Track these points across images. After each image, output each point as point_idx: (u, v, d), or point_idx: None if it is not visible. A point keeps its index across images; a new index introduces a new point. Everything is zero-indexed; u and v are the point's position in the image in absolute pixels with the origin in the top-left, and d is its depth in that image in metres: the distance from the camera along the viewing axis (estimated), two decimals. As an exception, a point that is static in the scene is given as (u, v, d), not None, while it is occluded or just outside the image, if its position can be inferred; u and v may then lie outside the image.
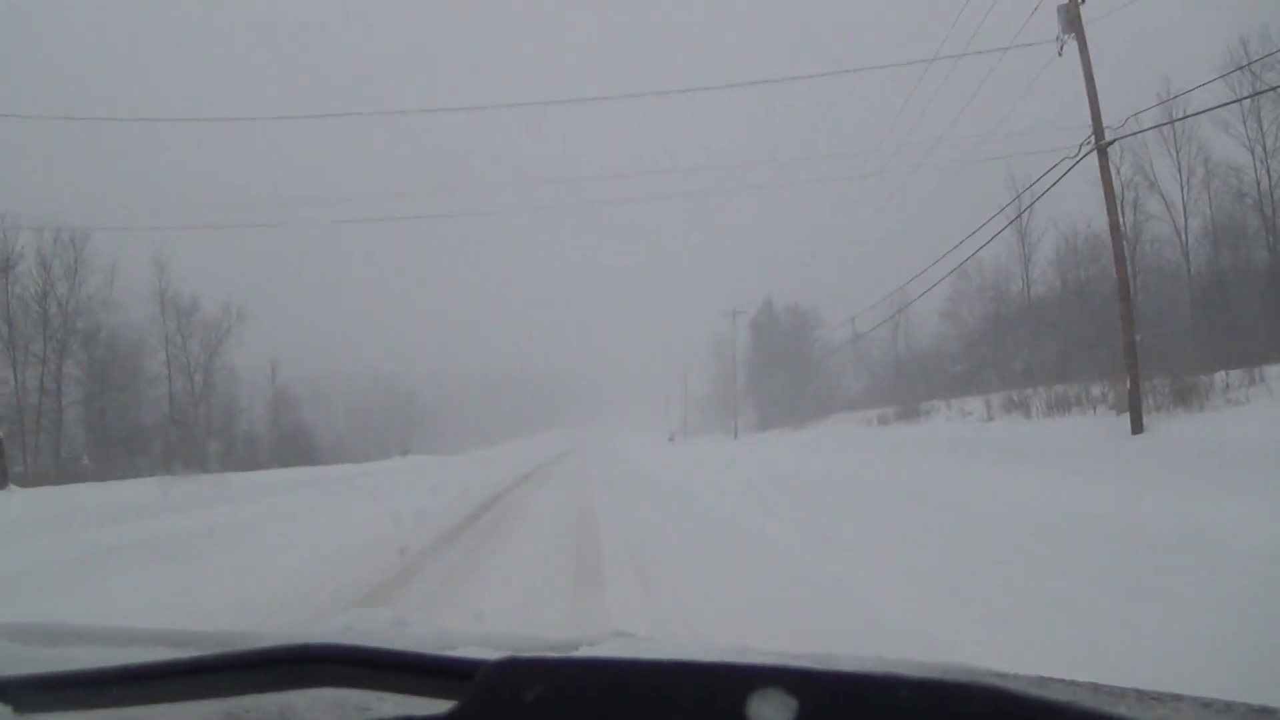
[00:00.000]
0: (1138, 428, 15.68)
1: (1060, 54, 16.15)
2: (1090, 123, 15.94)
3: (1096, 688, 1.02)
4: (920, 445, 21.44)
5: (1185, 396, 17.90)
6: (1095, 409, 21.80)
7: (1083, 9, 15.76)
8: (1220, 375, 18.64)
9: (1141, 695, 1.00)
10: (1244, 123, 29.73)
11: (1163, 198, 33.39)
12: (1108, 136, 15.92)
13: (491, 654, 0.80)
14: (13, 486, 19.44)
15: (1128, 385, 16.09)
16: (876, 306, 43.69)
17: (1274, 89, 23.82)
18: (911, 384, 48.55)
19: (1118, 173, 23.62)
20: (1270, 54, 23.77)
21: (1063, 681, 1.07)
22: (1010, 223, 29.85)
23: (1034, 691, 0.73)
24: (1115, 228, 17.24)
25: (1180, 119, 23.56)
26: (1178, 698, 0.99)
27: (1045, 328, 38.76)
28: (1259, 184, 30.42)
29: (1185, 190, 33.03)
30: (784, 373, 67.68)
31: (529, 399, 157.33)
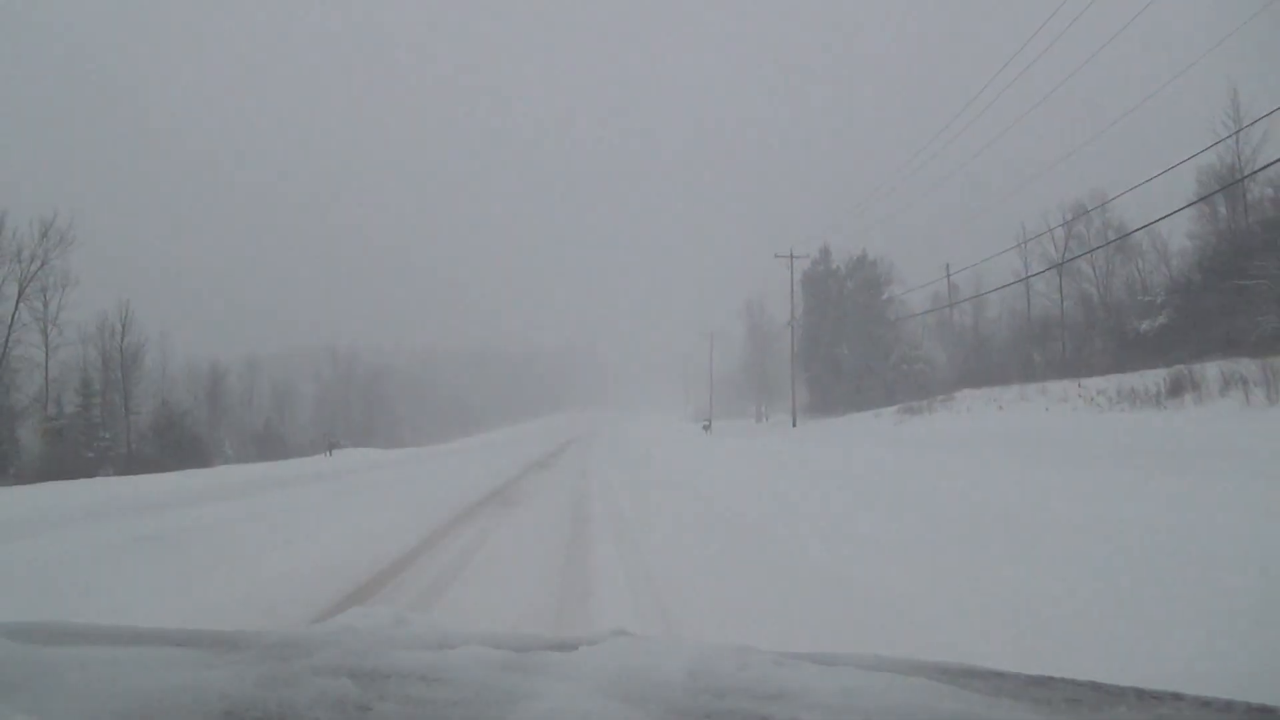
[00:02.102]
0: None
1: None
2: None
3: (1097, 686, 1.02)
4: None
5: None
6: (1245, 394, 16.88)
7: None
8: None
9: (1141, 694, 1.00)
10: None
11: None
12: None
13: (492, 653, 0.80)
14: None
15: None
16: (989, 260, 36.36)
17: None
18: (1012, 358, 40.34)
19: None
20: None
21: (1063, 680, 1.07)
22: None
23: (1034, 690, 0.74)
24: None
25: None
26: (1178, 696, 0.99)
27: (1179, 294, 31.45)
28: None
29: None
30: (851, 343, 51.73)
31: (532, 380, 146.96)
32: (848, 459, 19.22)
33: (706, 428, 52.63)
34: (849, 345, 51.72)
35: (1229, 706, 0.94)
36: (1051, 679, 1.09)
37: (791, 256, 46.95)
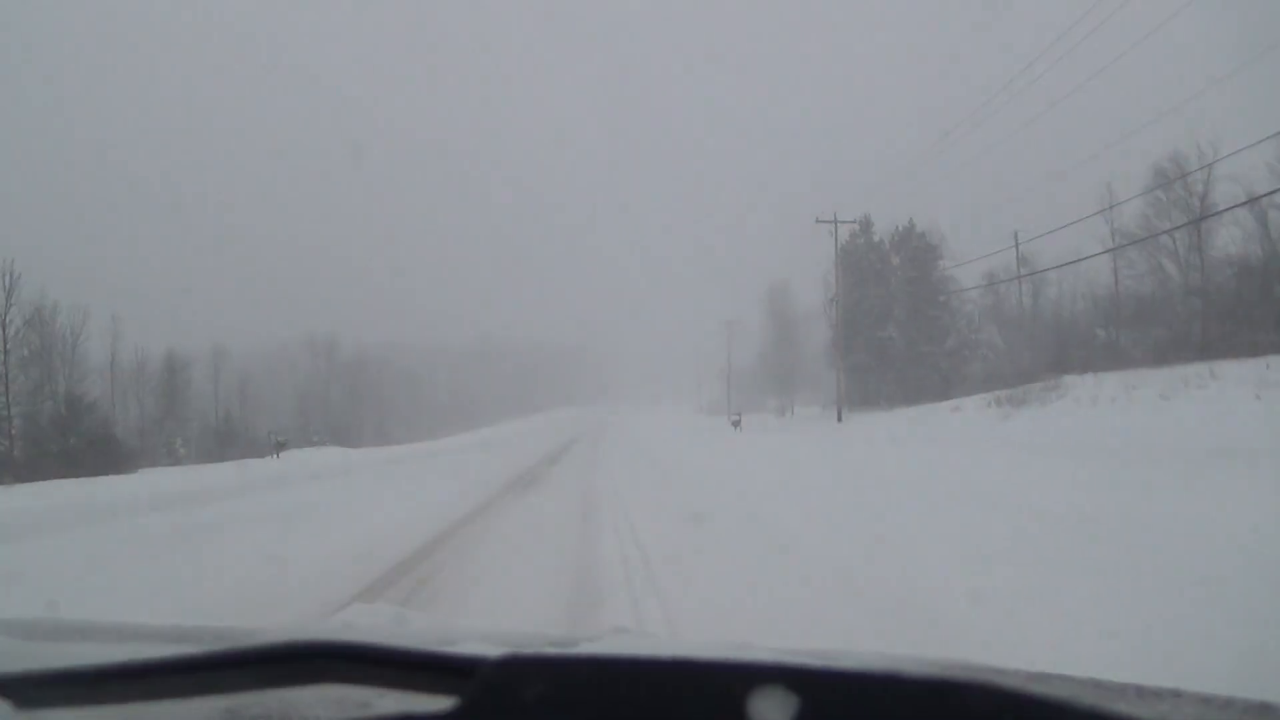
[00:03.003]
0: None
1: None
2: None
3: (1096, 684, 1.02)
4: None
5: None
6: None
7: None
8: None
9: (1141, 691, 1.00)
10: None
11: None
12: None
13: (493, 650, 0.80)
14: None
15: None
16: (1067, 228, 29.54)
17: None
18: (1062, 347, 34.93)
19: None
20: None
21: (1062, 678, 1.07)
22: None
23: (1033, 688, 0.74)
24: None
25: None
26: (1177, 693, 0.99)
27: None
28: None
29: None
30: (900, 325, 44.85)
31: (537, 375, 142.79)
32: (984, 470, 13.74)
33: (736, 423, 44.12)
34: (897, 328, 44.62)
35: (1229, 703, 0.94)
36: (1050, 676, 1.09)
37: (835, 221, 38.87)
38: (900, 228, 47.33)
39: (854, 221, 43.38)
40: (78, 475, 20.02)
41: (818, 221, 39.18)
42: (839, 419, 37.16)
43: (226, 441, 53.02)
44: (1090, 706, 0.71)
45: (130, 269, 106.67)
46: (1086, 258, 35.15)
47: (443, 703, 0.76)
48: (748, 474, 15.79)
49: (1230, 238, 31.92)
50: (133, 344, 55.68)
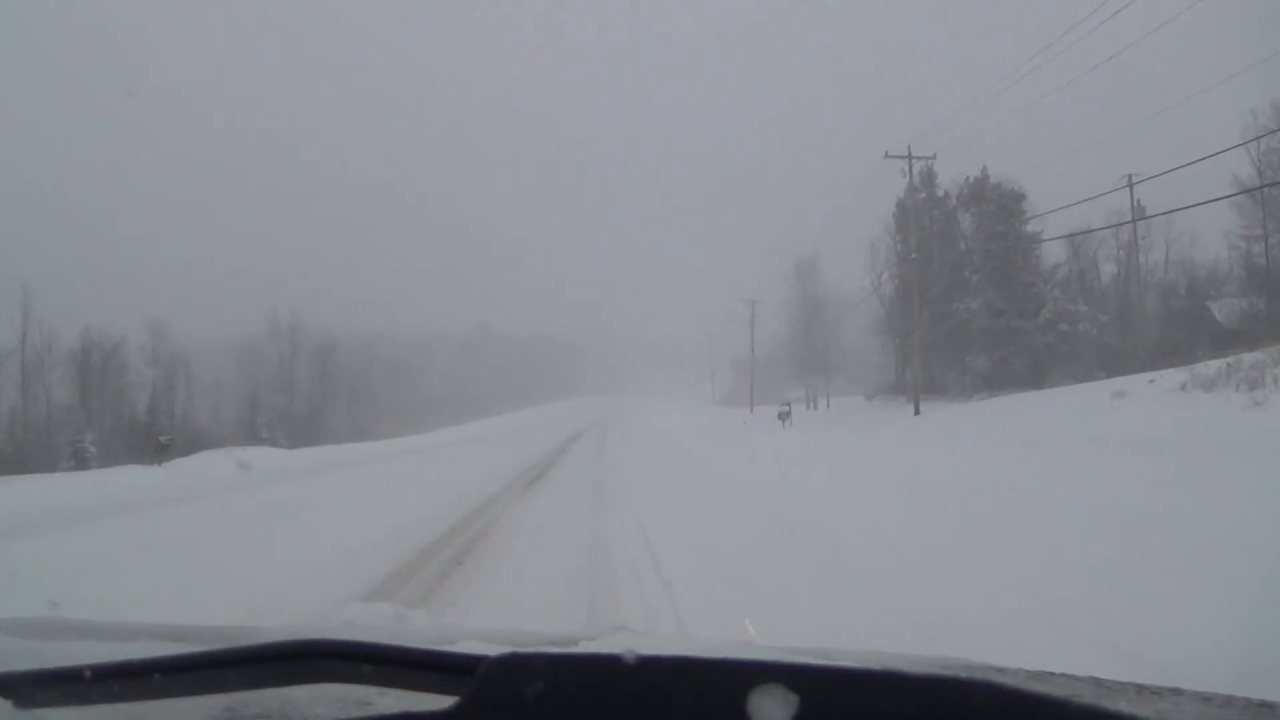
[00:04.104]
0: None
1: None
2: None
3: (1097, 682, 1.02)
4: None
5: None
6: None
7: None
8: None
9: (1141, 689, 1.00)
10: None
11: None
12: None
13: (493, 649, 0.80)
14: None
15: None
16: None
17: None
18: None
19: None
20: None
21: (1063, 676, 1.08)
22: None
23: (1034, 686, 0.74)
24: None
25: None
26: (1177, 692, 0.99)
27: None
28: None
29: None
30: (981, 295, 35.66)
31: (538, 365, 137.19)
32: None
33: (785, 416, 35.46)
34: (979, 297, 35.70)
35: (1229, 701, 0.95)
36: (1051, 674, 1.10)
37: (910, 157, 30.29)
38: (971, 179, 38.28)
39: (930, 157, 32.23)
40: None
41: (887, 156, 30.47)
42: (916, 411, 29.31)
43: (145, 439, 44.62)
44: (1090, 705, 0.71)
45: (86, 247, 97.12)
46: (1233, 195, 28.57)
47: (443, 701, 0.76)
48: (866, 518, 8.87)
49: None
50: (83, 327, 48.03)
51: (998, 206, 36.71)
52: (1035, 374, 32.79)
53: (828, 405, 51.29)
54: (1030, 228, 36.22)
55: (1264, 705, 0.91)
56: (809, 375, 54.84)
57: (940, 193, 40.16)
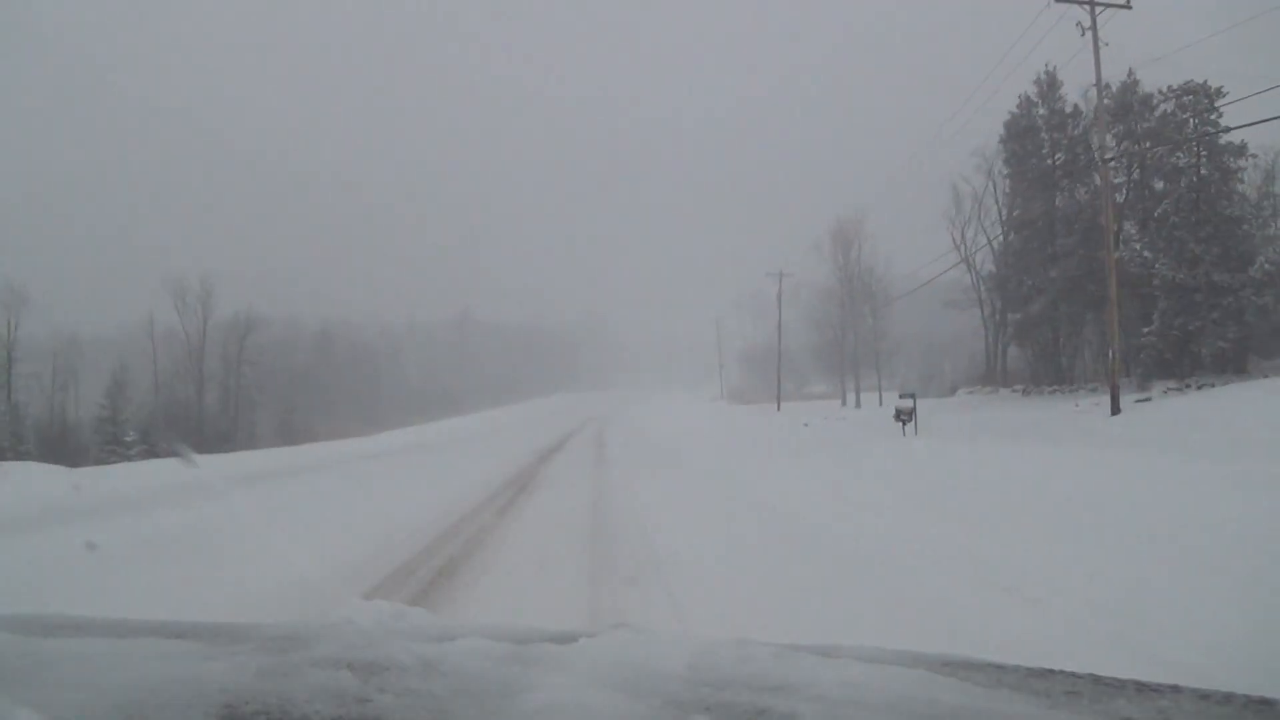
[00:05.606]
0: None
1: None
2: None
3: (1096, 679, 1.03)
4: None
5: None
6: None
7: None
8: None
9: (1141, 687, 1.00)
10: None
11: None
12: None
13: (492, 644, 0.80)
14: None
15: None
16: None
17: None
18: None
19: None
20: None
21: (1063, 673, 1.08)
22: None
23: (1034, 682, 0.74)
24: None
25: None
26: (1176, 689, 0.99)
27: None
28: None
29: None
30: (1168, 246, 23.66)
31: (533, 357, 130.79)
32: None
33: (905, 419, 22.13)
34: (1165, 252, 23.75)
35: (1228, 699, 0.95)
36: (1051, 671, 1.10)
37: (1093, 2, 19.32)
38: (1115, 87, 25.76)
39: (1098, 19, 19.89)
40: None
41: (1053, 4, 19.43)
42: (1114, 409, 19.65)
43: (61, 445, 39.93)
44: (1090, 702, 0.71)
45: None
46: None
47: None
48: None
49: None
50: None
51: (1178, 107, 24.74)
52: (1236, 353, 23.39)
53: (880, 402, 40.12)
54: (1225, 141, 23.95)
55: (1263, 702, 0.91)
56: (850, 366, 44.78)
57: (1065, 106, 29.41)
